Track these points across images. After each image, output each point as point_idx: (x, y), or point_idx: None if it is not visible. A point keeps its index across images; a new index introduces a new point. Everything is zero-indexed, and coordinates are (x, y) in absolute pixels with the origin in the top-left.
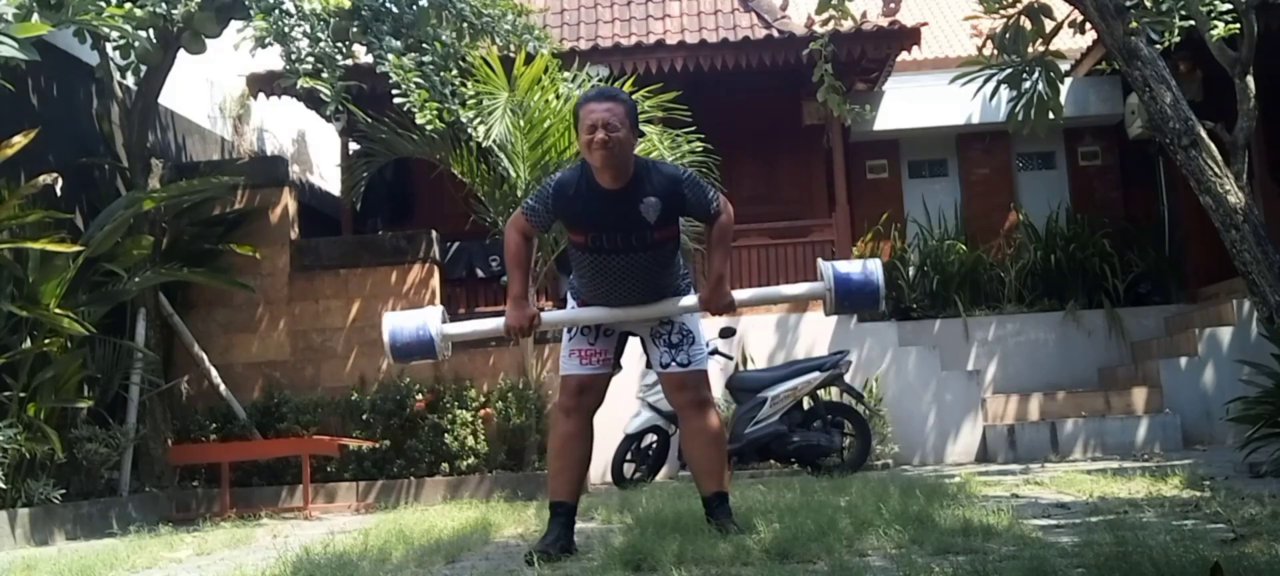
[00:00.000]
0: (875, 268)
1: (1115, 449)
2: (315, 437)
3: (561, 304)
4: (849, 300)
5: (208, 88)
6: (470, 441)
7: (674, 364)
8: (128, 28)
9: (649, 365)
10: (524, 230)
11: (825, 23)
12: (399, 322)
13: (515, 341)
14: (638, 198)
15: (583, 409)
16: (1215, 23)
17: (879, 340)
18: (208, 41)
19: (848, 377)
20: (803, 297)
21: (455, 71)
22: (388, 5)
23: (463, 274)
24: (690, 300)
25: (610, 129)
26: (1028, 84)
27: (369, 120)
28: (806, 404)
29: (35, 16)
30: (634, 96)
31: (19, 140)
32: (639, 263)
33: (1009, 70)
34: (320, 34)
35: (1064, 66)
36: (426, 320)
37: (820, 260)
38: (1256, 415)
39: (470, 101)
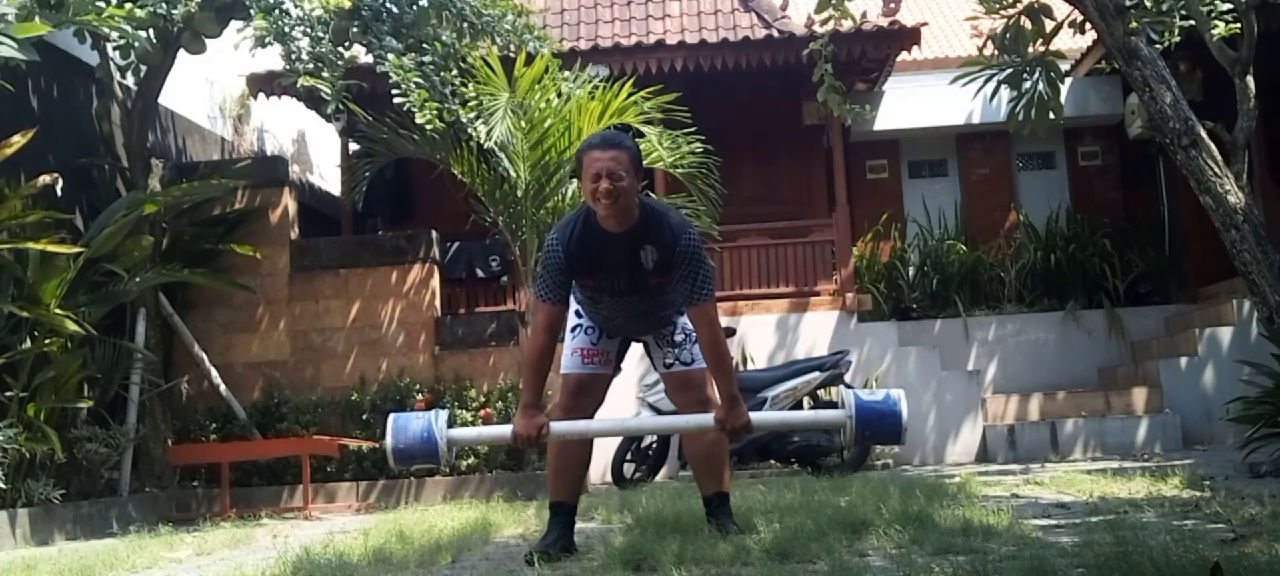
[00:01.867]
0: (899, 398)
1: (1115, 449)
2: (315, 437)
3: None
4: (870, 431)
5: (208, 88)
6: None
7: (677, 363)
8: (128, 28)
9: (653, 366)
10: (551, 322)
11: (825, 23)
12: (403, 426)
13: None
14: (639, 242)
15: (582, 409)
16: (1215, 23)
17: (879, 340)
18: (208, 41)
19: (848, 377)
20: (824, 425)
21: (455, 71)
22: (388, 5)
23: (463, 274)
24: (706, 418)
25: (615, 178)
26: (1028, 84)
27: (369, 120)
28: (807, 403)
29: (35, 16)
30: (634, 97)
31: (18, 140)
32: (640, 303)
33: (1009, 70)
34: (320, 34)
35: (1064, 66)
36: (432, 425)
37: (843, 388)
38: (1256, 415)
39: (471, 102)
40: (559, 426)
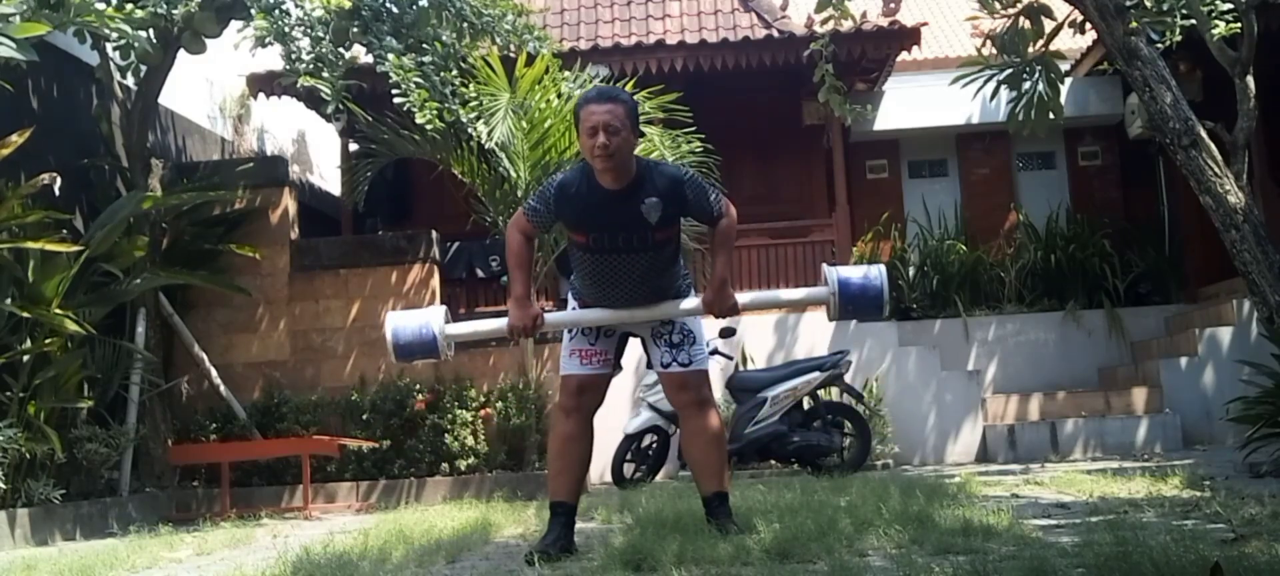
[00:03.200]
0: (879, 273)
1: (1115, 449)
2: (315, 437)
3: (562, 304)
4: (852, 306)
5: (208, 88)
6: (470, 441)
7: (675, 364)
8: (128, 28)
9: (649, 365)
10: (525, 230)
11: (825, 23)
12: (402, 322)
13: (516, 341)
14: (639, 198)
15: (583, 409)
16: (1216, 23)
17: (879, 340)
18: (208, 41)
19: (848, 377)
20: (805, 302)
21: (455, 72)
22: (388, 5)
23: (463, 274)
24: (693, 302)
25: (611, 132)
26: (1028, 84)
27: (369, 120)
28: (806, 404)
29: (35, 16)
30: (634, 97)
31: (16, 139)
32: (640, 263)
33: (1009, 71)
34: (320, 34)
35: (1064, 66)
36: (429, 319)
37: (824, 265)
38: (1256, 415)
39: (471, 102)
40: (554, 316)
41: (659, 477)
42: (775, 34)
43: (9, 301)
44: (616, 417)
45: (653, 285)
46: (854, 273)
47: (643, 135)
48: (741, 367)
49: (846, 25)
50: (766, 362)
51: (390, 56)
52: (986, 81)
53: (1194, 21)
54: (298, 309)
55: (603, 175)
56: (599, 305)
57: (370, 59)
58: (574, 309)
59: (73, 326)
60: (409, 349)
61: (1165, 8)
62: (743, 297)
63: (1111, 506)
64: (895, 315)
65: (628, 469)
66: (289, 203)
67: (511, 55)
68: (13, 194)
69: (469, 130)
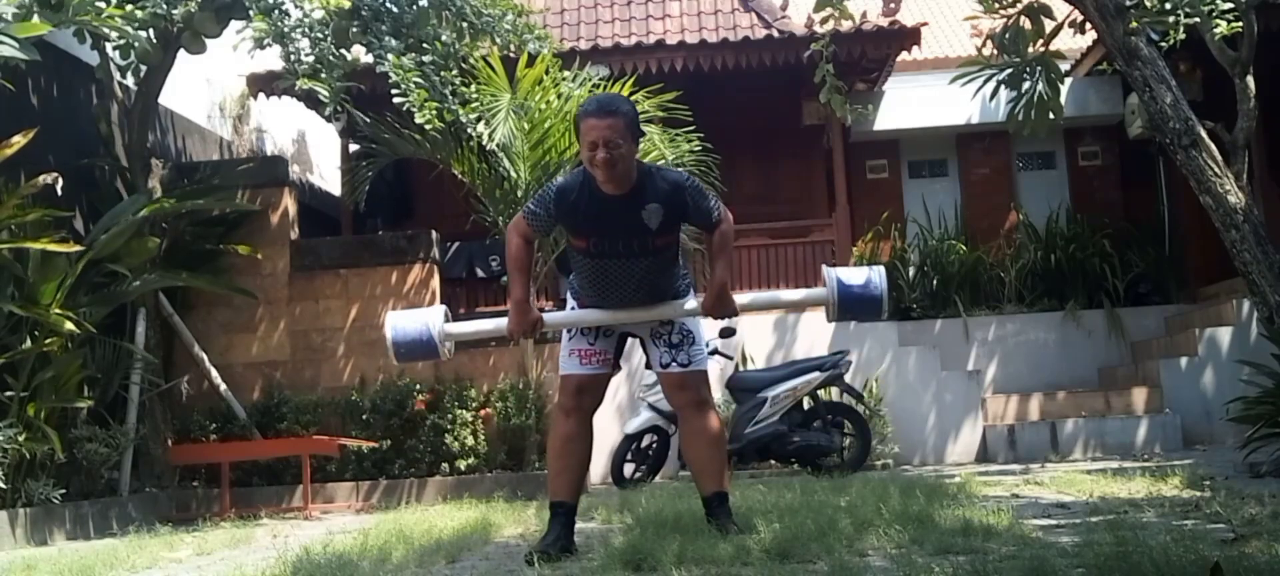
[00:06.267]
0: (879, 276)
1: (1115, 449)
2: (315, 437)
3: (561, 304)
4: (851, 308)
5: (208, 88)
6: (470, 441)
7: (674, 364)
8: (128, 28)
9: (649, 365)
10: (525, 234)
11: (825, 22)
12: (402, 322)
13: (516, 342)
14: (640, 204)
15: (582, 409)
16: (1216, 22)
17: (879, 340)
18: (208, 41)
19: (848, 377)
20: (804, 304)
21: (455, 71)
22: (388, 5)
23: (463, 274)
24: (692, 304)
25: (612, 146)
26: (1028, 84)
27: (367, 120)
28: (806, 404)
29: (35, 16)
30: (634, 97)
31: (18, 140)
32: (640, 267)
33: (1009, 70)
34: (320, 35)
35: (1064, 66)
36: (429, 320)
37: (824, 266)
38: (1256, 415)
39: (472, 102)
40: (553, 317)
41: (659, 477)
42: (775, 34)
43: (9, 302)
44: (617, 417)
45: (653, 287)
46: (854, 275)
47: (643, 135)
48: (741, 367)
49: (846, 25)
50: (766, 362)
51: (390, 56)
52: (986, 81)
53: (1196, 20)
54: (298, 309)
55: (605, 184)
56: (598, 307)
57: (370, 59)
58: (573, 309)
59: (71, 326)
60: (409, 349)
61: (1166, 7)
62: (742, 299)
63: (1111, 506)
64: (895, 315)
65: (628, 469)
66: (289, 203)
67: (512, 55)
68: (12, 194)
69: (469, 130)
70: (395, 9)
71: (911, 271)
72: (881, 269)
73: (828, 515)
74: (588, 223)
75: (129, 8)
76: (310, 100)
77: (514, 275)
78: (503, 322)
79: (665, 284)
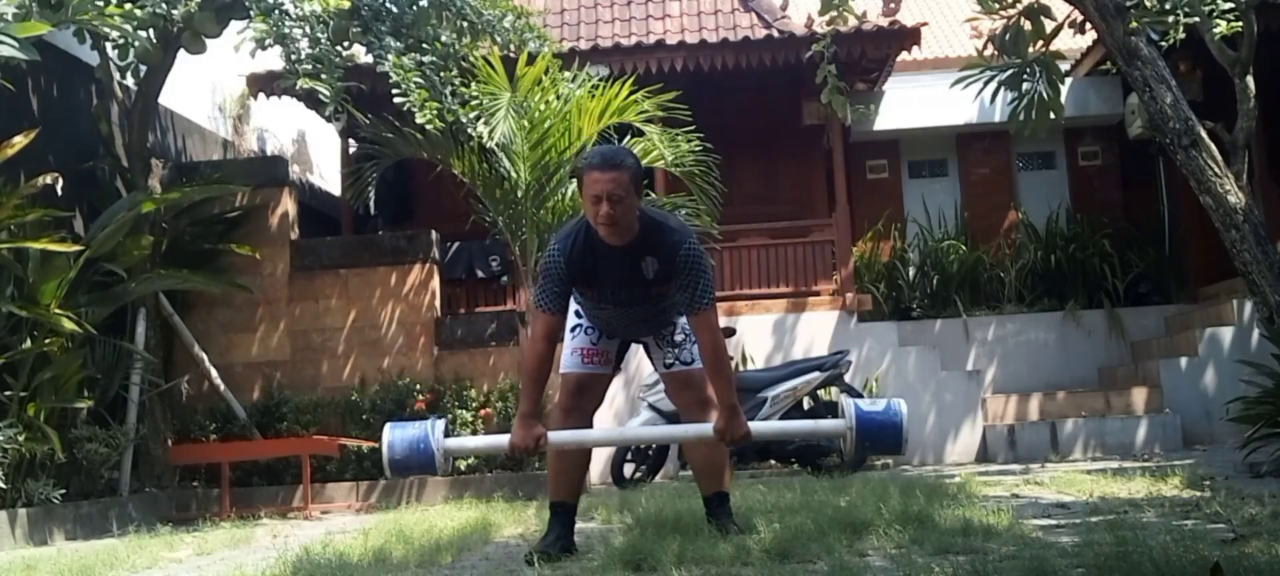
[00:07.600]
0: (900, 407)
1: (1115, 449)
2: (315, 437)
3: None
4: (870, 441)
5: (208, 88)
6: None
7: (677, 362)
8: (128, 28)
9: (653, 365)
10: (549, 330)
11: (828, 23)
12: (399, 435)
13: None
14: (640, 255)
15: (582, 409)
16: (1216, 22)
17: (879, 340)
18: (208, 41)
19: (848, 377)
20: (823, 435)
21: (455, 71)
22: (388, 5)
23: (463, 274)
24: (705, 428)
25: (615, 200)
26: (1028, 85)
27: (367, 120)
28: (806, 404)
29: (35, 16)
30: (634, 97)
31: (19, 140)
32: (639, 311)
33: (1009, 71)
34: (320, 35)
35: (1064, 66)
36: (427, 433)
37: (843, 397)
38: (1256, 415)
39: (472, 102)
40: (557, 436)
41: (659, 477)
42: (775, 34)
43: (9, 302)
44: (616, 418)
45: (654, 323)
46: (874, 406)
47: (647, 187)
48: (741, 367)
49: (848, 24)
50: (766, 363)
51: (390, 56)
52: (987, 82)
53: (1195, 21)
54: (298, 309)
55: (607, 236)
56: (599, 328)
57: (370, 59)
58: (575, 309)
59: (71, 326)
60: (405, 464)
61: (1166, 7)
62: (757, 427)
63: (1111, 506)
64: (895, 315)
65: (628, 469)
66: (289, 203)
67: (512, 55)
68: (12, 194)
69: (469, 130)
70: (395, 9)
71: (911, 271)
72: (902, 401)
73: (828, 515)
74: (591, 274)
75: (129, 7)
76: (310, 100)
77: (527, 386)
78: (504, 440)
79: (664, 315)
